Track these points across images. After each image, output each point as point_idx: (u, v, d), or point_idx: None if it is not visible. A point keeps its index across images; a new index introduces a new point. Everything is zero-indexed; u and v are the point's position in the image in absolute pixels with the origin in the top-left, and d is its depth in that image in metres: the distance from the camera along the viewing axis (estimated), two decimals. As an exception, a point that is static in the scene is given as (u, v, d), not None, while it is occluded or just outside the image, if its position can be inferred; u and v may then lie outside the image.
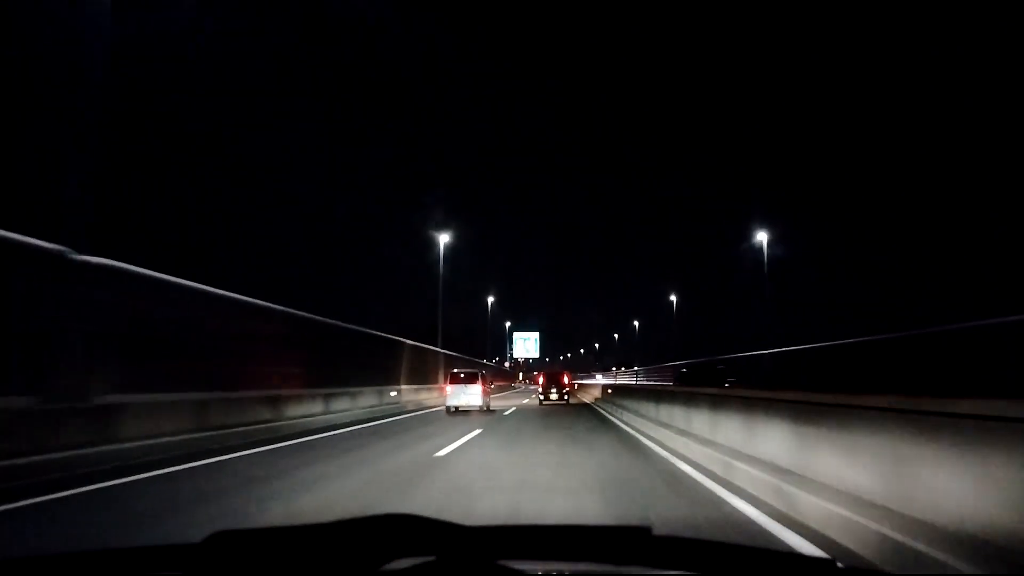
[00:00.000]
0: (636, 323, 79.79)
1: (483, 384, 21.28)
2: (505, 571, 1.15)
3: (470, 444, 10.54)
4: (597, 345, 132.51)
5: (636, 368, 63.20)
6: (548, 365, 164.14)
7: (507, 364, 78.37)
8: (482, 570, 1.16)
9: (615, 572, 1.36)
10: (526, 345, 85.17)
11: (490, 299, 60.21)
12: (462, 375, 21.50)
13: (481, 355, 51.99)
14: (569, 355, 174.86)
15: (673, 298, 54.01)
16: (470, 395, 20.64)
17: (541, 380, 29.45)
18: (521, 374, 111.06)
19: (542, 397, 27.34)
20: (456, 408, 20.53)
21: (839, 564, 1.27)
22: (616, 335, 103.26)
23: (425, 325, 33.99)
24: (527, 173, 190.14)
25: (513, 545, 1.29)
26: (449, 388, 20.92)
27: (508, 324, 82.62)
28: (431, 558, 1.14)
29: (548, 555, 1.37)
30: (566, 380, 28.50)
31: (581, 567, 1.43)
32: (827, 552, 3.64)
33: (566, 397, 27.28)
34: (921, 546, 3.08)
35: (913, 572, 3.01)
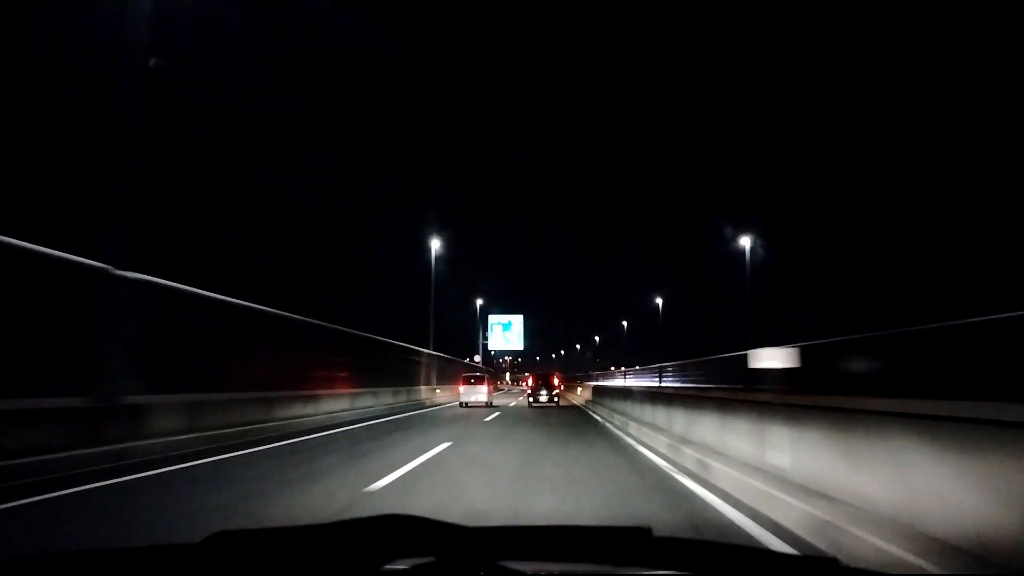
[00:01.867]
0: (659, 300, 59.50)
1: (488, 385, 28.44)
2: (505, 571, 1.18)
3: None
4: (598, 339, 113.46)
5: (661, 366, 44.05)
6: (537, 364, 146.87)
7: (475, 359, 58.64)
8: (482, 571, 1.18)
9: (615, 573, 1.37)
10: (506, 334, 65.46)
11: (434, 244, 35.02)
12: (472, 378, 28.44)
13: (423, 342, 32.33)
14: (562, 351, 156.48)
15: (745, 243, 30.94)
16: (479, 394, 26.83)
17: (530, 381, 29.67)
18: (508, 375, 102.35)
19: (531, 399, 27.44)
20: (467, 404, 26.40)
21: (840, 564, 1.28)
22: (625, 322, 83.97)
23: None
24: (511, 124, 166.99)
25: (513, 545, 1.32)
26: (462, 388, 27.59)
27: (479, 302, 59.60)
28: (431, 559, 1.17)
29: (548, 556, 1.38)
30: (556, 382, 28.78)
31: (581, 567, 1.43)
32: None
33: (556, 399, 27.42)
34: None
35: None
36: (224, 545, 1.20)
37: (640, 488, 6.39)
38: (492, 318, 64.54)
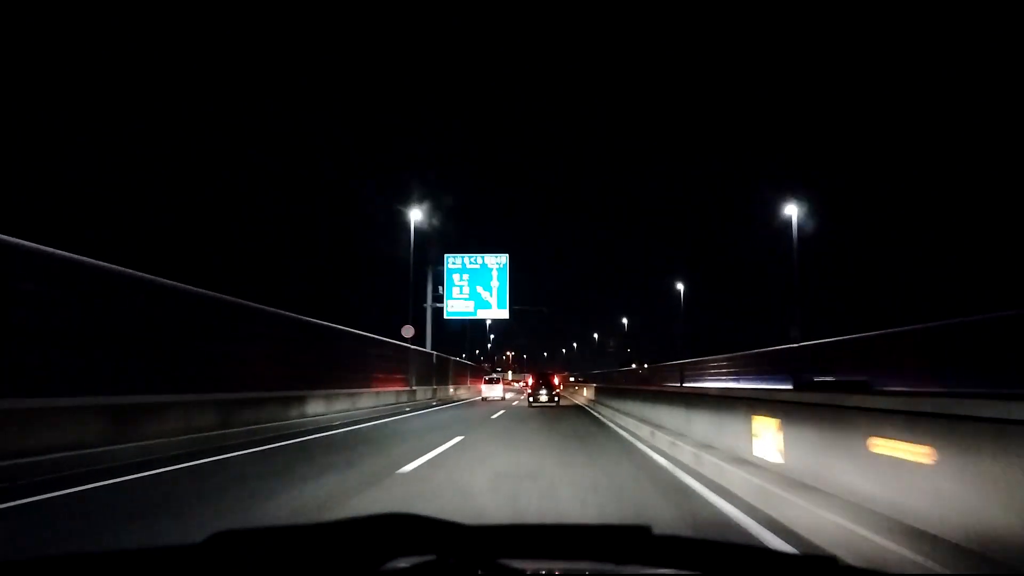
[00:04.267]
0: (792, 212, 28.69)
1: (503, 384, 40.69)
2: (505, 570, 1.19)
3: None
4: (625, 321, 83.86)
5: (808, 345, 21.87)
6: (544, 361, 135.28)
7: (405, 335, 27.42)
8: (482, 569, 1.17)
9: (615, 572, 1.37)
10: (477, 290, 35.27)
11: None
12: (490, 379, 38.99)
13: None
14: (575, 345, 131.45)
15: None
16: (495, 391, 36.50)
17: (529, 381, 30.63)
18: (510, 373, 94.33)
19: (531, 399, 27.11)
20: (486, 398, 35.33)
21: (840, 563, 1.27)
22: (681, 285, 53.28)
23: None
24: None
25: (513, 544, 1.30)
26: (483, 387, 37.35)
27: (415, 216, 30.19)
28: (431, 557, 1.17)
29: (548, 554, 1.38)
30: (556, 381, 28.93)
31: (581, 566, 1.43)
32: None
33: (556, 399, 27.01)
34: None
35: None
36: (224, 545, 1.21)
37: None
38: (452, 261, 35.31)
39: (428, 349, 34.17)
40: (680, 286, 49.71)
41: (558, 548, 1.34)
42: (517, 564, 1.21)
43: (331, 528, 1.24)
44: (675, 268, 77.59)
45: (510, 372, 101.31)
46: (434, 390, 32.18)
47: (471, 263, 35.90)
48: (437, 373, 33.98)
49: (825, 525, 4.07)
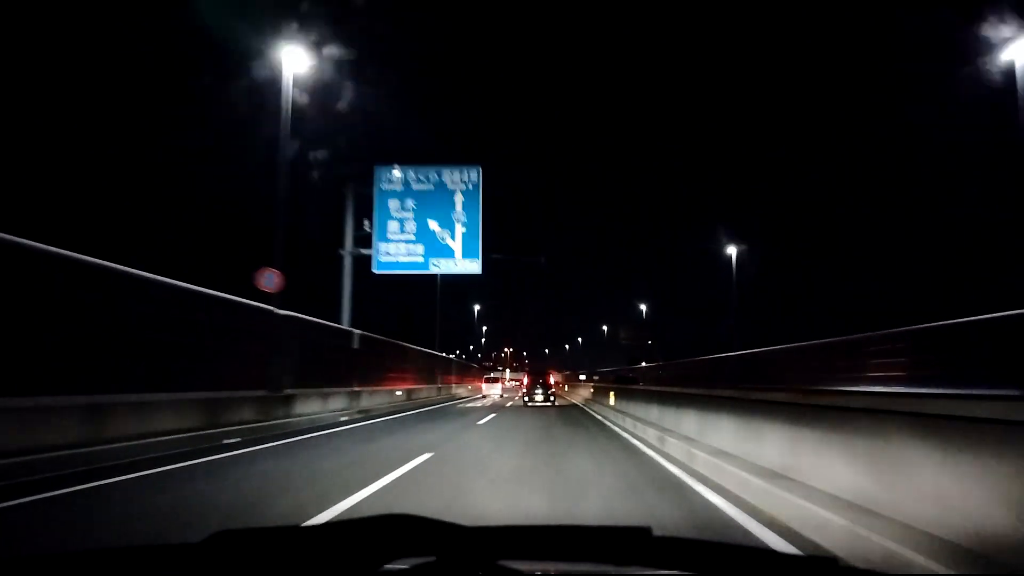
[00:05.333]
0: None
1: (502, 384, 46.73)
2: (505, 571, 1.19)
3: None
4: (644, 308, 69.61)
5: None
6: (547, 359, 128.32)
7: (263, 286, 13.66)
8: (482, 570, 1.17)
9: (615, 572, 1.37)
10: (428, 222, 20.55)
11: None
12: (490, 379, 45.68)
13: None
14: (581, 340, 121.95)
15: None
16: (495, 390, 42.40)
17: (525, 380, 31.13)
18: (508, 372, 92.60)
19: (527, 399, 27.69)
20: (485, 396, 38.87)
21: (840, 563, 1.25)
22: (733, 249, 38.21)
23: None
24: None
25: (513, 545, 1.31)
26: (484, 386, 43.65)
27: (286, 65, 14.57)
28: (431, 558, 1.17)
29: (548, 555, 1.38)
30: (553, 381, 29.58)
31: (581, 567, 1.43)
32: None
33: (552, 399, 27.41)
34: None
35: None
36: (224, 545, 1.21)
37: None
38: (388, 177, 21.61)
39: (346, 326, 20.66)
40: (732, 250, 36.16)
41: (558, 549, 1.34)
42: (517, 565, 1.21)
43: (331, 529, 1.28)
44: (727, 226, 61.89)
45: (508, 370, 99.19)
46: (352, 394, 18.62)
47: (420, 181, 21.54)
48: (366, 365, 20.49)
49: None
